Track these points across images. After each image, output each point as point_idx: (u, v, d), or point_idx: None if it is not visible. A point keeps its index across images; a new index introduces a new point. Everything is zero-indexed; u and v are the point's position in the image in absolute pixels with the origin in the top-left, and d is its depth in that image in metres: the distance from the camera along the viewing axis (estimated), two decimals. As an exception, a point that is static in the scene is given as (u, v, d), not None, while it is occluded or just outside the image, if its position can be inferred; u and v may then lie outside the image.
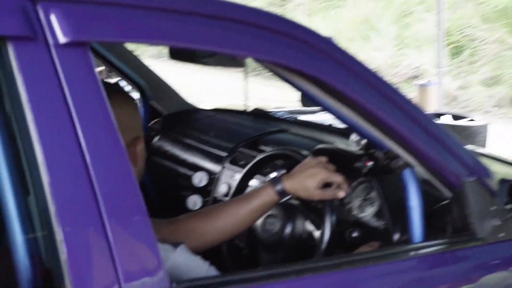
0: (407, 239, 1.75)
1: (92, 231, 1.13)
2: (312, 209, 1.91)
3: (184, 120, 2.98)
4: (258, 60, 1.45)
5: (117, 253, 1.14)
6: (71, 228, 1.11)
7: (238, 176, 2.17)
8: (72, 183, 1.12)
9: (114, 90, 1.45)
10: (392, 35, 13.17)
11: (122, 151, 1.17)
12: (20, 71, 1.11)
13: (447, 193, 1.73)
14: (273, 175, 2.06)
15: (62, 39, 1.14)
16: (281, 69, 1.45)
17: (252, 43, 1.35)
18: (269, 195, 1.75)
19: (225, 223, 1.72)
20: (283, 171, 2.01)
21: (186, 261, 1.37)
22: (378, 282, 1.54)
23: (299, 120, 2.87)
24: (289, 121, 2.92)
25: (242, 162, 2.40)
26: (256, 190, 1.77)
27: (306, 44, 1.43)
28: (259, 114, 3.04)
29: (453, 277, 1.69)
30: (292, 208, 1.92)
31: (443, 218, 1.79)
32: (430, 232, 1.80)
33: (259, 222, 1.95)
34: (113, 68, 2.79)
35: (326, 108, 1.64)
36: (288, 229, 1.89)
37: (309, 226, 1.86)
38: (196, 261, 1.39)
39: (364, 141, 1.88)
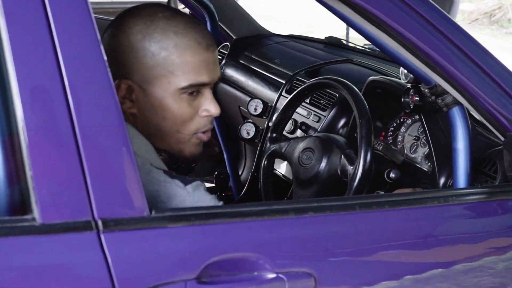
0: (452, 184, 1.61)
1: (64, 152, 1.06)
2: (351, 144, 1.78)
3: (253, 45, 2.87)
4: None
5: (90, 177, 1.07)
6: (42, 151, 1.05)
7: (280, 106, 2.06)
8: (46, 103, 1.05)
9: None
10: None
11: (104, 72, 1.09)
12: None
13: (500, 137, 1.55)
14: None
15: None
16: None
17: None
18: None
19: None
20: None
21: (196, 200, 1.28)
22: (406, 227, 1.40)
23: (370, 49, 2.70)
24: (361, 50, 2.75)
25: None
26: None
27: None
28: (333, 43, 2.88)
29: (499, 228, 1.52)
30: (330, 141, 1.80)
31: (495, 164, 1.62)
32: (479, 179, 1.65)
33: (296, 155, 1.84)
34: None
35: (368, 38, 1.50)
36: (323, 164, 1.77)
37: (345, 161, 1.73)
38: (207, 201, 1.29)
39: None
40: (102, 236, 1.08)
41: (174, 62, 1.32)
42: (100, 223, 1.08)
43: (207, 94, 1.38)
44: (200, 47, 1.33)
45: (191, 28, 1.34)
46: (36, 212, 1.05)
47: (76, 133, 1.07)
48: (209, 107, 1.38)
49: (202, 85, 1.35)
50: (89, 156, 1.07)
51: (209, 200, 1.29)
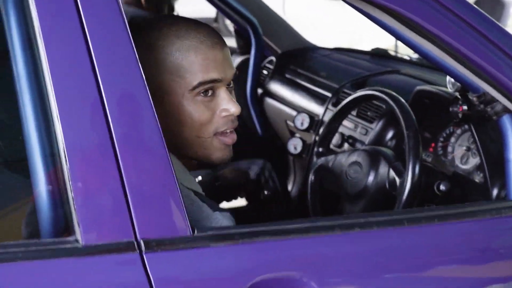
0: (505, 195, 1.55)
1: (106, 173, 1.06)
2: (400, 157, 1.74)
3: (298, 59, 2.85)
4: None
5: (132, 197, 1.06)
6: (83, 172, 1.05)
7: (326, 119, 2.04)
8: (87, 125, 1.06)
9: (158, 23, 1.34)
10: None
11: (144, 91, 1.08)
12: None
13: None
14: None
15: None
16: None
17: None
18: None
19: None
20: None
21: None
22: (460, 240, 1.36)
23: (417, 59, 2.65)
24: (408, 61, 2.71)
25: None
26: None
27: None
28: (379, 54, 2.84)
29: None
30: (378, 154, 1.76)
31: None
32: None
33: (343, 170, 1.81)
34: (222, 2, 2.69)
35: (413, 47, 1.47)
36: (371, 177, 1.74)
37: (393, 174, 1.69)
38: None
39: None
40: (144, 257, 1.07)
41: (181, 65, 1.31)
42: (142, 243, 1.07)
43: (223, 93, 1.35)
44: (204, 45, 1.32)
45: (192, 30, 1.33)
46: (78, 234, 1.05)
47: (117, 154, 1.07)
48: (227, 106, 1.34)
49: (213, 82, 1.32)
50: (130, 176, 1.07)
51: None
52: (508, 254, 1.36)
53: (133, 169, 1.07)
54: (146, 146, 1.09)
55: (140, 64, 1.09)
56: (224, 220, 1.28)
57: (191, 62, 1.31)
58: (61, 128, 1.04)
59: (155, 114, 1.10)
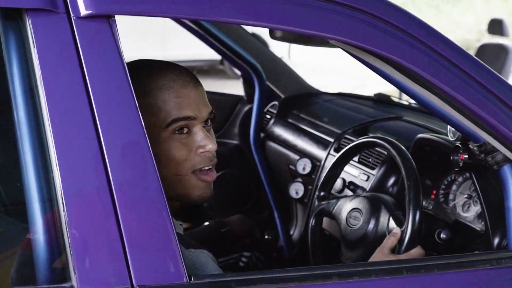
0: (506, 244, 1.54)
1: (102, 219, 1.06)
2: (400, 206, 1.74)
3: (301, 104, 2.86)
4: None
5: (128, 244, 1.06)
6: (80, 218, 1.05)
7: (328, 165, 2.04)
8: (85, 171, 1.06)
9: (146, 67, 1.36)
10: None
11: (143, 138, 1.09)
12: (37, 44, 1.06)
13: (556, 195, 1.49)
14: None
15: (83, 11, 1.07)
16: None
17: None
18: None
19: None
20: None
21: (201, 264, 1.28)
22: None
23: (419, 106, 2.66)
24: (411, 107, 2.72)
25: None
26: None
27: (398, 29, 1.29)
28: (382, 100, 2.85)
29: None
30: (379, 202, 1.75)
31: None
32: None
33: (344, 215, 1.81)
34: (225, 48, 2.72)
35: (414, 97, 1.47)
36: (371, 225, 1.73)
37: (393, 223, 1.69)
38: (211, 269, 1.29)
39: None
40: (140, 304, 1.06)
41: (155, 105, 1.32)
42: (138, 290, 1.06)
43: (199, 131, 1.36)
44: (176, 84, 1.33)
45: (165, 70, 1.35)
46: (74, 280, 1.05)
47: (114, 200, 1.07)
48: (203, 142, 1.35)
49: (187, 119, 1.33)
50: (127, 223, 1.07)
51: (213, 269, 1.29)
52: (508, 305, 1.35)
53: (130, 215, 1.07)
54: (144, 192, 1.09)
55: (139, 110, 1.10)
56: (201, 256, 1.27)
57: (164, 101, 1.33)
58: (59, 174, 1.05)
59: (153, 159, 1.10)
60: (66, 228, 1.04)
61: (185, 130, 1.35)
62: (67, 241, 1.05)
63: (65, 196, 1.05)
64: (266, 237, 2.04)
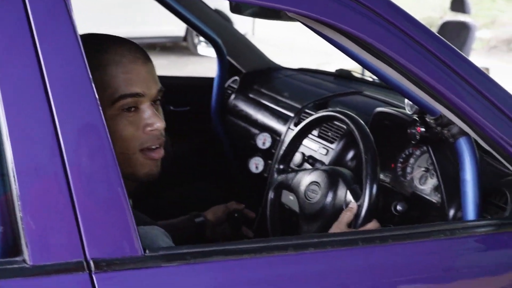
0: (461, 216, 1.56)
1: (55, 192, 1.04)
2: (358, 179, 1.75)
3: (262, 79, 2.85)
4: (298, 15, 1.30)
5: (82, 217, 1.05)
6: (32, 191, 1.03)
7: (288, 139, 2.04)
8: (38, 144, 1.04)
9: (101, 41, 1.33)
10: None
11: (97, 112, 1.07)
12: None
13: (509, 167, 1.51)
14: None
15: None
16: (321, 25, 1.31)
17: None
18: None
19: None
20: None
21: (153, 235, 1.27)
22: (414, 260, 1.36)
23: (379, 82, 2.67)
24: (371, 82, 2.73)
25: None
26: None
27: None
28: (343, 75, 2.86)
29: (510, 261, 1.48)
30: (336, 176, 1.76)
31: (505, 195, 1.57)
32: (489, 210, 1.60)
33: (302, 189, 1.81)
34: (187, 23, 2.69)
35: (371, 70, 1.48)
36: (329, 199, 1.74)
37: (350, 197, 1.70)
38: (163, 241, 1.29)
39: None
40: (94, 277, 1.05)
41: (103, 80, 1.29)
42: (92, 263, 1.05)
43: (147, 108, 1.33)
44: (125, 59, 1.31)
45: (115, 44, 1.33)
46: (26, 254, 1.03)
47: (67, 173, 1.05)
48: (151, 120, 1.33)
49: (135, 96, 1.31)
50: (81, 196, 1.05)
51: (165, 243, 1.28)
52: (461, 275, 1.36)
53: (83, 188, 1.06)
54: (97, 167, 1.08)
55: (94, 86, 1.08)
56: (152, 231, 1.27)
57: (112, 76, 1.30)
58: (11, 147, 1.03)
59: (108, 135, 1.09)
60: (18, 201, 1.03)
61: (133, 108, 1.32)
62: (18, 214, 1.03)
63: (16, 170, 1.03)
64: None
